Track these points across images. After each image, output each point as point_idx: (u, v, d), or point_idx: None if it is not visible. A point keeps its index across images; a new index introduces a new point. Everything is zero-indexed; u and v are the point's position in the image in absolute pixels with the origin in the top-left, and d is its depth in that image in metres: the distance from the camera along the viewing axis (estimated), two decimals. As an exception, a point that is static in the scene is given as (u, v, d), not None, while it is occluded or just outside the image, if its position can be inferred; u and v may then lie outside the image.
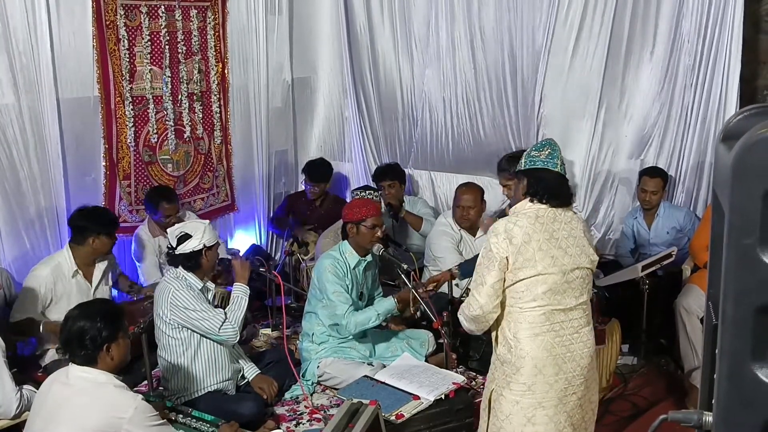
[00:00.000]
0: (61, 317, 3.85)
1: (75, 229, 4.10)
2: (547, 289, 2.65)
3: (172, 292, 3.54)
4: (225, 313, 3.58)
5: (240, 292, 3.71)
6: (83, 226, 4.08)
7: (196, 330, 3.55)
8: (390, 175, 5.50)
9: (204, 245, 3.60)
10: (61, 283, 4.01)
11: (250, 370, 3.83)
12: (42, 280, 3.95)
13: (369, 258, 4.10)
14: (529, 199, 2.75)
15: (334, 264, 3.97)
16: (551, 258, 2.66)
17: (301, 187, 6.13)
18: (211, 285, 3.75)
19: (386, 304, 3.94)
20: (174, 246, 3.59)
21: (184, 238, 3.57)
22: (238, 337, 3.63)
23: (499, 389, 2.73)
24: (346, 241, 4.08)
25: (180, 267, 3.62)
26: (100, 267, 4.20)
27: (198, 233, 3.59)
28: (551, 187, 2.73)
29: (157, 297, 3.65)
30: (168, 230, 3.75)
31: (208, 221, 3.80)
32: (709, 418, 1.08)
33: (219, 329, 3.51)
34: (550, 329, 2.67)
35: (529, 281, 2.65)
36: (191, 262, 3.60)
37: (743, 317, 0.94)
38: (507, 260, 2.65)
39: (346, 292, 3.94)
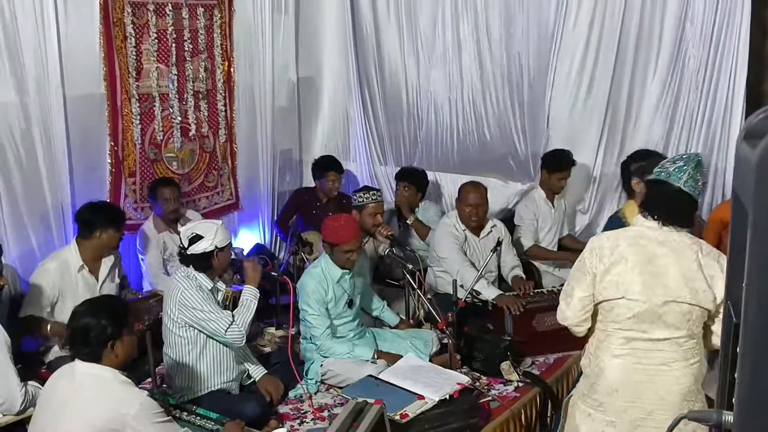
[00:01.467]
0: (69, 313, 3.89)
1: (82, 223, 4.10)
2: (631, 316, 2.50)
3: (181, 291, 3.52)
4: (233, 315, 3.56)
5: (250, 295, 3.68)
6: (90, 219, 4.07)
7: (203, 330, 3.54)
8: (409, 178, 5.48)
9: (216, 246, 3.56)
10: (67, 278, 4.00)
11: (257, 371, 3.82)
12: (49, 274, 3.95)
13: (354, 268, 4.08)
14: (642, 213, 2.60)
15: (316, 286, 3.94)
16: (641, 285, 2.48)
17: (306, 184, 6.13)
18: (221, 285, 3.73)
19: (364, 351, 3.92)
20: (185, 246, 3.57)
21: (196, 239, 3.54)
22: (244, 341, 3.61)
23: (576, 398, 2.68)
24: (328, 255, 4.04)
25: (191, 267, 3.61)
26: (106, 263, 4.18)
27: (210, 234, 3.55)
28: (666, 205, 2.53)
29: (166, 295, 3.65)
30: (181, 229, 3.72)
31: (221, 222, 3.76)
32: (729, 417, 1.08)
33: (226, 331, 3.50)
34: (631, 353, 2.54)
35: (613, 303, 2.52)
36: (202, 262, 3.57)
37: (766, 321, 0.93)
38: (595, 277, 2.56)
39: (326, 313, 3.96)
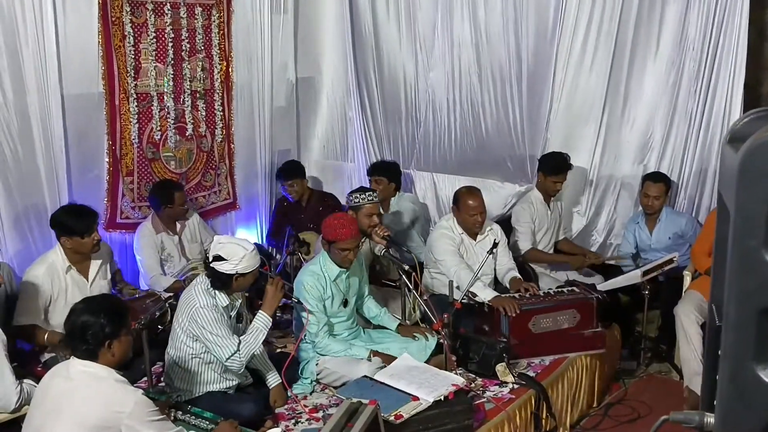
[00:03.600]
0: (61, 315, 3.87)
1: (52, 228, 4.06)
2: None
3: (196, 307, 3.47)
4: (239, 343, 3.48)
5: (261, 324, 3.57)
6: (54, 226, 4.02)
7: (206, 348, 3.53)
8: (378, 171, 5.49)
9: (237, 272, 3.47)
10: (57, 281, 3.97)
11: (273, 378, 3.79)
12: (39, 279, 3.91)
13: (355, 264, 4.09)
14: None
15: (314, 283, 3.95)
16: None
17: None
18: (238, 302, 3.67)
19: (359, 351, 3.93)
20: (209, 259, 3.52)
21: (218, 259, 3.46)
22: (242, 369, 3.56)
23: None
24: (326, 252, 4.05)
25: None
26: (96, 262, 4.14)
27: (234, 259, 3.44)
28: None
29: (181, 301, 3.60)
30: (215, 237, 3.69)
31: (253, 247, 3.55)
32: (710, 419, 1.08)
33: (227, 359, 3.46)
34: None
35: None
36: (220, 282, 3.50)
37: (746, 319, 0.94)
38: None
39: (324, 310, 3.97)
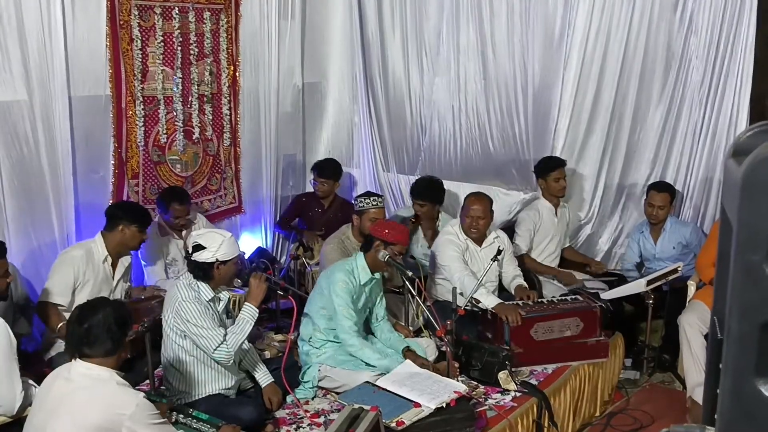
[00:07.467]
0: (81, 302, 3.90)
1: (108, 217, 4.20)
2: None
3: (179, 301, 3.48)
4: (225, 335, 3.49)
5: (247, 315, 3.59)
6: (116, 214, 4.18)
7: (194, 343, 3.53)
8: (423, 196, 5.20)
9: (217, 259, 3.50)
10: (91, 267, 4.06)
11: (264, 377, 3.80)
12: (75, 260, 3.99)
13: (378, 276, 4.11)
14: None
15: (346, 279, 3.95)
16: None
17: (310, 189, 6.14)
18: (224, 295, 3.68)
19: (390, 365, 3.82)
20: (190, 252, 3.56)
21: (198, 248, 3.50)
22: (231, 361, 3.54)
23: None
24: (362, 254, 4.06)
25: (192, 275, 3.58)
26: (123, 263, 4.24)
27: (213, 246, 3.49)
28: None
29: (166, 300, 3.62)
30: (192, 233, 3.72)
31: (230, 235, 3.63)
32: (711, 432, 1.08)
33: (214, 350, 3.45)
34: None
35: None
36: (202, 272, 3.53)
37: (748, 333, 0.94)
38: None
39: (353, 307, 3.95)
